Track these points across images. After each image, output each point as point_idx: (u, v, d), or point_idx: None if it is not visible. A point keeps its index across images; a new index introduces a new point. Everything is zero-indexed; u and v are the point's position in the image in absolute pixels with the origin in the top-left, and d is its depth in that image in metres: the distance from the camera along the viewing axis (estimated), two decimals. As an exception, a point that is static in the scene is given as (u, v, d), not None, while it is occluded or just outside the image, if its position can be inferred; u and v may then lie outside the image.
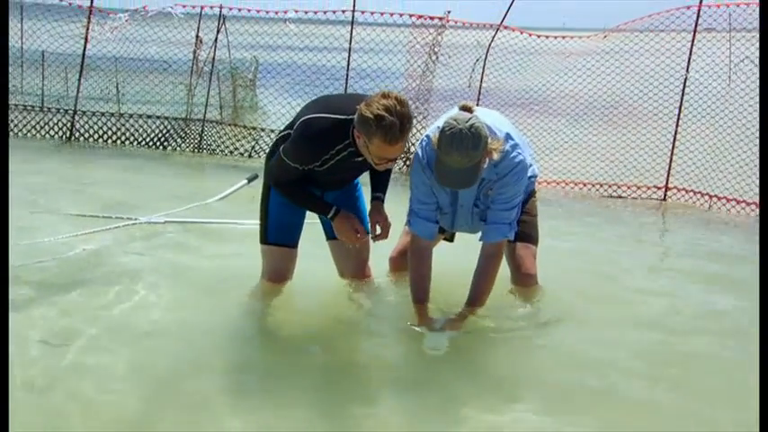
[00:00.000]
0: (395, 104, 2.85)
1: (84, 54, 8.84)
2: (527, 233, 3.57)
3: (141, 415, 2.58)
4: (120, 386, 2.75)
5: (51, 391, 2.69)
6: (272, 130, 8.38)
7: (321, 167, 3.12)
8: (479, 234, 3.35)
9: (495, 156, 3.04)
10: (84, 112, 8.88)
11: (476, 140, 2.92)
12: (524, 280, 3.58)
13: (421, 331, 3.15)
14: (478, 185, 3.22)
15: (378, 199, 3.35)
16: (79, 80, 8.87)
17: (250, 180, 6.19)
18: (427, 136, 3.21)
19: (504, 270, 3.59)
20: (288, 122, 3.31)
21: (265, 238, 3.52)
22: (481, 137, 2.94)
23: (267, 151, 8.35)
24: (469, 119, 2.96)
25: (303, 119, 3.09)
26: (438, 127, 3.07)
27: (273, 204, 3.46)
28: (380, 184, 3.37)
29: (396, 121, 2.83)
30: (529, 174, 3.54)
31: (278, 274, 3.55)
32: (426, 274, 3.29)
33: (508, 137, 3.18)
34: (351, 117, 2.98)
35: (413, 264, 3.34)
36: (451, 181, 3.03)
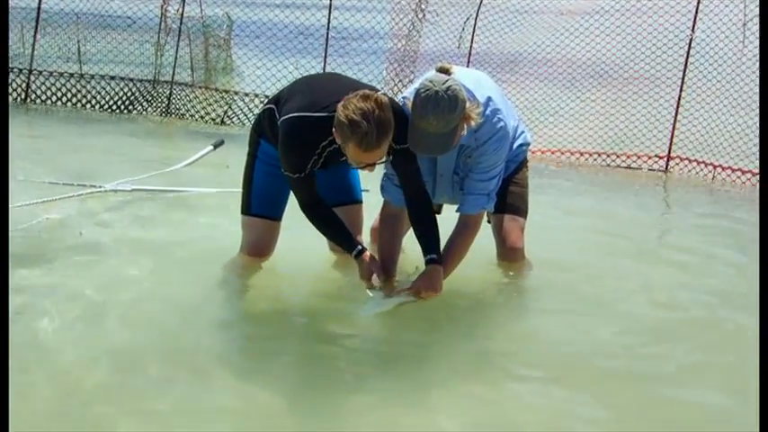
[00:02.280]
0: (373, 108, 2.84)
1: (39, 8, 8.80)
2: (515, 205, 3.65)
3: (110, 396, 2.66)
4: (87, 366, 2.83)
5: (22, 372, 2.75)
6: (246, 94, 8.41)
7: (317, 167, 3.17)
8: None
9: (474, 122, 3.08)
10: (40, 72, 8.86)
11: (452, 104, 2.95)
12: (510, 254, 3.68)
13: (372, 295, 3.20)
14: (457, 152, 3.28)
15: (433, 261, 3.20)
16: (34, 37, 8.85)
17: (216, 146, 6.24)
18: (404, 97, 3.24)
19: (488, 243, 3.71)
20: (272, 96, 3.40)
21: (248, 209, 3.59)
22: (459, 100, 2.97)
23: (241, 116, 8.36)
24: (446, 81, 2.99)
25: (283, 119, 3.13)
26: (415, 89, 3.09)
27: (258, 173, 3.53)
28: (432, 240, 3.24)
29: (372, 128, 2.83)
30: (520, 142, 3.62)
31: (259, 247, 3.63)
32: (394, 244, 3.36)
33: (489, 101, 3.21)
34: (332, 114, 2.97)
35: (381, 231, 3.42)
36: (426, 146, 3.06)
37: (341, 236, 3.29)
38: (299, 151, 3.11)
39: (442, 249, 3.29)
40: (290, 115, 3.11)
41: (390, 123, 2.90)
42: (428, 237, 3.25)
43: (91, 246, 4.02)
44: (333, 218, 3.27)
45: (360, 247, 3.24)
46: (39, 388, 2.68)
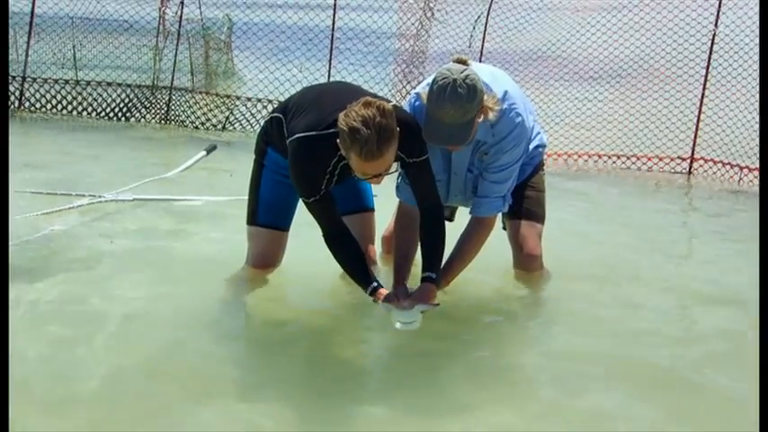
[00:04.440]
0: (374, 115, 2.84)
1: (32, 12, 8.88)
2: (532, 210, 3.69)
3: (113, 410, 2.69)
4: (89, 379, 2.87)
5: (28, 384, 2.79)
6: (249, 99, 8.47)
7: (332, 186, 3.19)
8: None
9: (491, 115, 3.12)
10: (34, 79, 8.94)
11: (471, 93, 2.99)
12: (527, 262, 3.70)
13: (386, 309, 3.16)
14: (473, 149, 3.31)
15: (429, 280, 3.23)
16: (28, 42, 8.93)
17: (209, 151, 6.29)
18: (416, 93, 3.28)
19: (504, 251, 3.73)
20: (280, 103, 3.44)
21: (254, 219, 3.62)
22: (477, 90, 3.01)
23: (244, 122, 8.40)
24: (464, 70, 3.04)
25: (291, 140, 3.14)
26: (428, 83, 3.14)
27: (266, 182, 3.57)
28: (434, 259, 3.27)
29: (373, 135, 2.82)
30: (536, 143, 3.65)
31: (265, 258, 3.67)
32: (411, 242, 3.34)
33: (506, 95, 3.25)
34: (337, 130, 2.97)
35: (398, 229, 3.43)
36: (442, 137, 3.09)
37: (359, 272, 3.25)
38: (311, 172, 3.12)
39: (453, 248, 3.36)
40: (298, 136, 3.12)
41: (393, 131, 2.89)
42: (432, 255, 3.28)
43: (96, 257, 4.09)
44: (355, 253, 3.25)
45: (375, 284, 3.19)
46: (36, 401, 2.71)
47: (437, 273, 3.26)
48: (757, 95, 7.06)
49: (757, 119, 6.95)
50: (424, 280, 3.24)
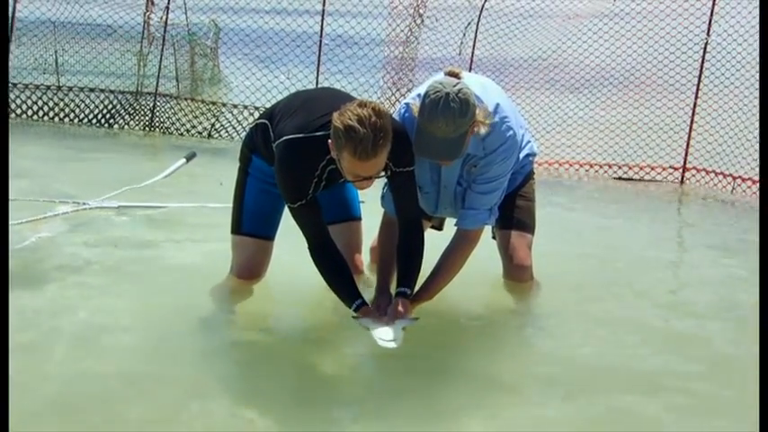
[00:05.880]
0: (370, 115, 2.84)
1: (13, 17, 8.86)
2: (522, 220, 3.70)
3: (98, 422, 2.68)
4: (74, 389, 2.88)
5: (15, 393, 2.74)
6: (235, 106, 8.47)
7: (319, 191, 3.18)
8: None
9: (483, 129, 3.13)
10: (15, 85, 8.90)
11: (464, 108, 3.00)
12: (517, 272, 3.71)
13: (365, 325, 3.13)
14: (462, 162, 3.32)
15: (403, 295, 3.22)
16: (8, 47, 8.90)
17: (189, 158, 6.28)
18: (406, 104, 3.29)
19: (493, 260, 3.74)
20: (266, 110, 3.45)
21: (238, 228, 3.62)
22: (470, 104, 3.02)
23: (230, 129, 8.40)
24: (457, 84, 3.05)
25: (278, 142, 3.14)
26: (419, 94, 3.14)
27: (250, 190, 3.57)
28: (410, 273, 3.27)
29: (368, 134, 2.82)
30: (526, 152, 3.67)
31: (250, 268, 3.66)
32: (392, 256, 3.33)
33: (497, 107, 3.26)
34: (329, 132, 2.97)
35: (382, 238, 3.45)
36: (433, 151, 3.10)
37: (344, 288, 3.22)
38: (299, 175, 3.11)
39: (437, 262, 3.36)
40: (285, 138, 3.12)
41: (388, 132, 2.89)
42: (407, 270, 3.27)
43: (82, 266, 4.10)
44: (341, 267, 3.23)
45: (359, 300, 3.18)
46: (24, 410, 2.68)
47: (411, 288, 3.25)
48: (750, 105, 7.13)
49: (750, 128, 7.01)
50: (398, 295, 3.23)
